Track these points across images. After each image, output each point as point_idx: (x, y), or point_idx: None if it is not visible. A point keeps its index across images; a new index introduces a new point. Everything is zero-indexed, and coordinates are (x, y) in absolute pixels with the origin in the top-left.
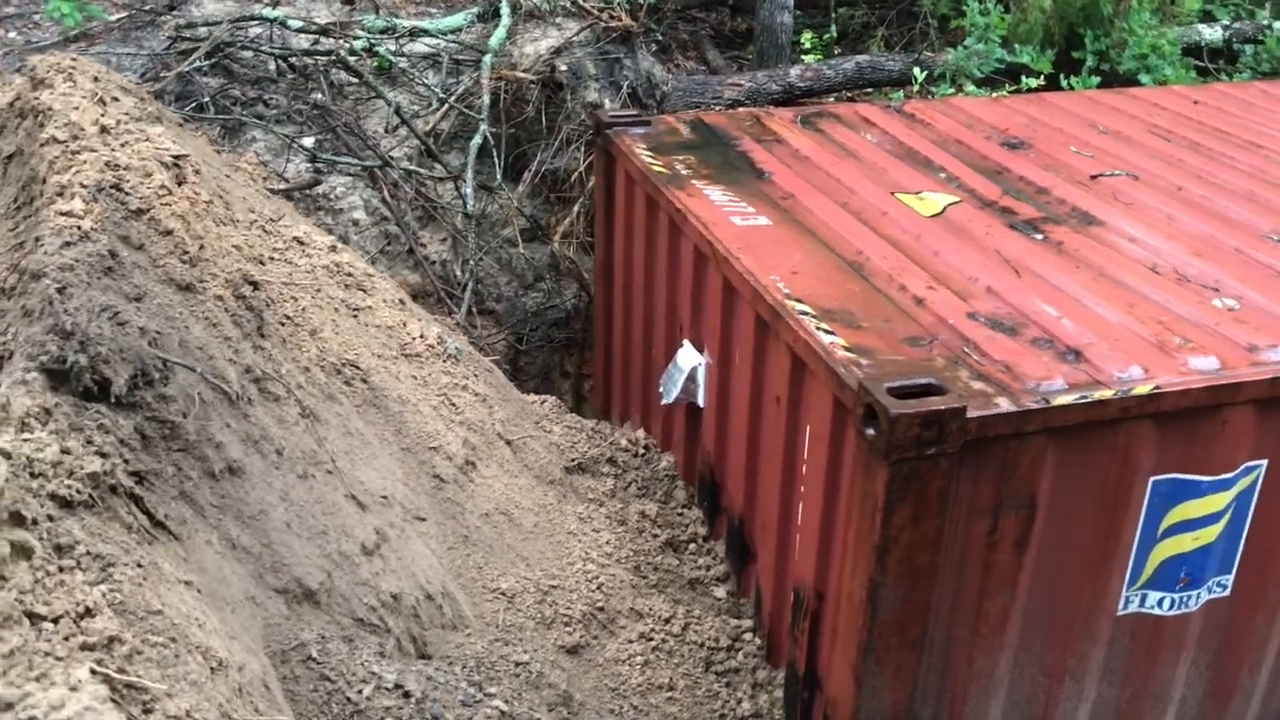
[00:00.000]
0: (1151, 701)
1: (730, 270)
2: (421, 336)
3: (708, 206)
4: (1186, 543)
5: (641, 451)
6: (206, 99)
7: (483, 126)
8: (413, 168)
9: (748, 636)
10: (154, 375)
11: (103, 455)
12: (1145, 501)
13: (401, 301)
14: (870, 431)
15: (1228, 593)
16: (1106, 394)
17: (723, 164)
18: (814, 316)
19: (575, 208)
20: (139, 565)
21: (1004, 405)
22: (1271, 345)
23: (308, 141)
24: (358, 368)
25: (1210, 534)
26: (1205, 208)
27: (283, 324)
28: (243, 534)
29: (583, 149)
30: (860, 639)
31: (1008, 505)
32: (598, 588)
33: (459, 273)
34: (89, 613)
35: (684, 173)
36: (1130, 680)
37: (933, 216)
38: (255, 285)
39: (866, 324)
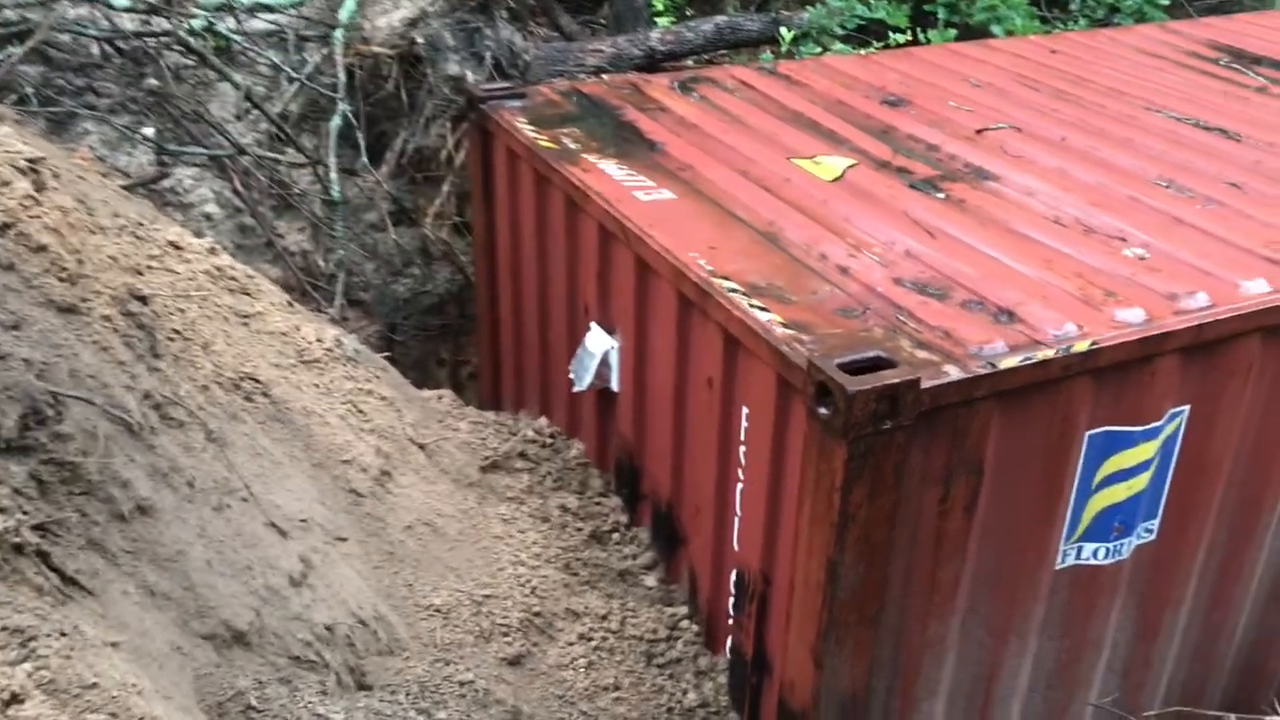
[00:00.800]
0: (1089, 649)
1: (645, 249)
2: (318, 340)
3: (607, 182)
4: (1120, 493)
5: (549, 441)
6: (30, 90)
7: (341, 106)
8: (269, 154)
9: (685, 624)
10: (46, 412)
11: (0, 511)
12: (1082, 456)
13: (290, 303)
14: (824, 410)
15: (1154, 537)
16: (1048, 354)
17: (611, 136)
18: (744, 293)
19: (445, 187)
20: (62, 634)
21: (953, 373)
22: (1189, 292)
23: (148, 131)
24: (257, 381)
25: (1141, 482)
26: (1092, 157)
27: (173, 339)
28: (161, 579)
29: (448, 125)
30: (819, 621)
31: (958, 472)
32: (531, 591)
33: (322, 263)
34: (16, 699)
35: (573, 147)
36: (1069, 631)
37: (834, 181)
38: (143, 300)
39: (796, 297)
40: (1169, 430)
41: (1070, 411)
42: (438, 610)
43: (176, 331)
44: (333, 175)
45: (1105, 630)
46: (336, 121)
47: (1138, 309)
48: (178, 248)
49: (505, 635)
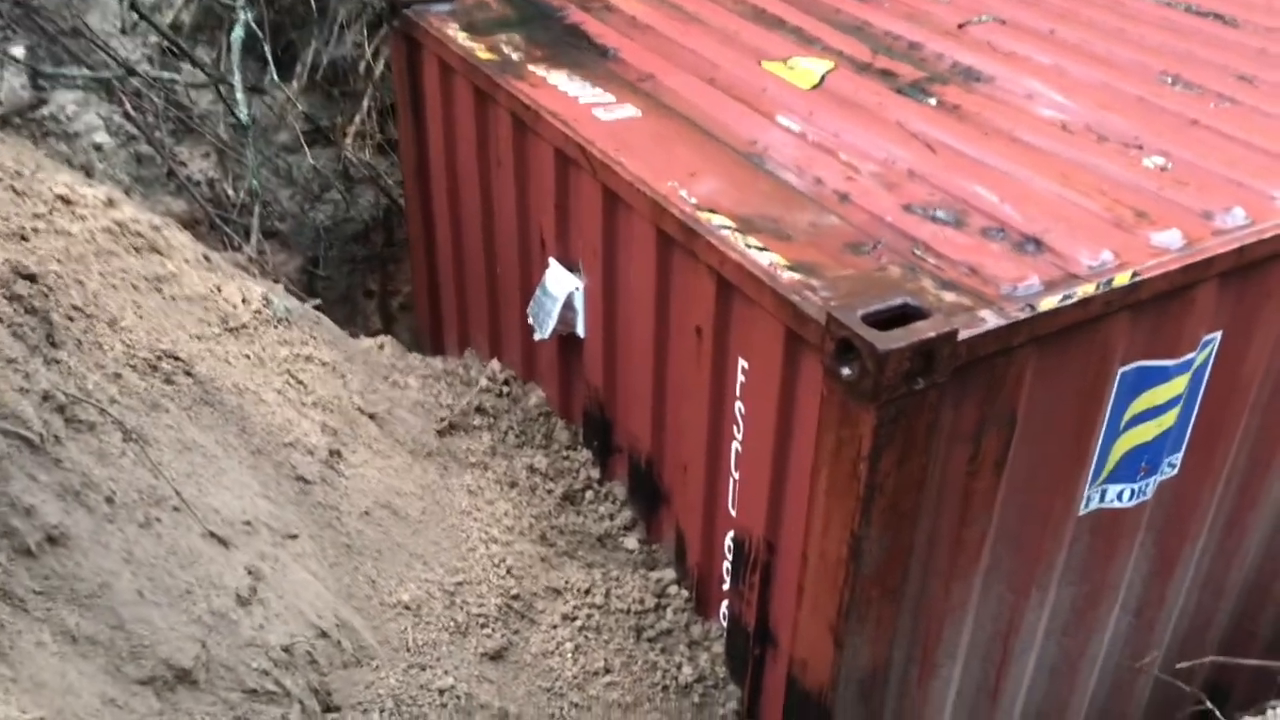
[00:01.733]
0: (1107, 593)
1: (614, 178)
2: (244, 301)
3: (560, 99)
4: (1150, 431)
5: (505, 389)
6: None
7: (242, 15)
8: (162, 73)
9: (672, 590)
10: None
11: None
12: (1113, 394)
13: (206, 258)
14: (847, 371)
15: (1176, 471)
16: (1089, 290)
17: (556, 42)
18: (737, 231)
19: (365, 103)
20: None
21: (990, 320)
22: (1225, 209)
23: (17, 51)
24: (177, 358)
25: (1171, 418)
26: (1087, 51)
27: (72, 320)
28: (84, 620)
29: (365, 32)
30: (840, 599)
31: (989, 426)
32: (507, 572)
33: (232, 192)
34: None
35: (515, 57)
36: (1087, 576)
37: (813, 88)
38: (31, 278)
39: (796, 233)
40: (1200, 359)
41: (1107, 350)
42: (407, 607)
43: (76, 309)
44: (238, 94)
45: (1124, 572)
46: (238, 32)
47: (1174, 230)
48: (68, 202)
49: (484, 627)
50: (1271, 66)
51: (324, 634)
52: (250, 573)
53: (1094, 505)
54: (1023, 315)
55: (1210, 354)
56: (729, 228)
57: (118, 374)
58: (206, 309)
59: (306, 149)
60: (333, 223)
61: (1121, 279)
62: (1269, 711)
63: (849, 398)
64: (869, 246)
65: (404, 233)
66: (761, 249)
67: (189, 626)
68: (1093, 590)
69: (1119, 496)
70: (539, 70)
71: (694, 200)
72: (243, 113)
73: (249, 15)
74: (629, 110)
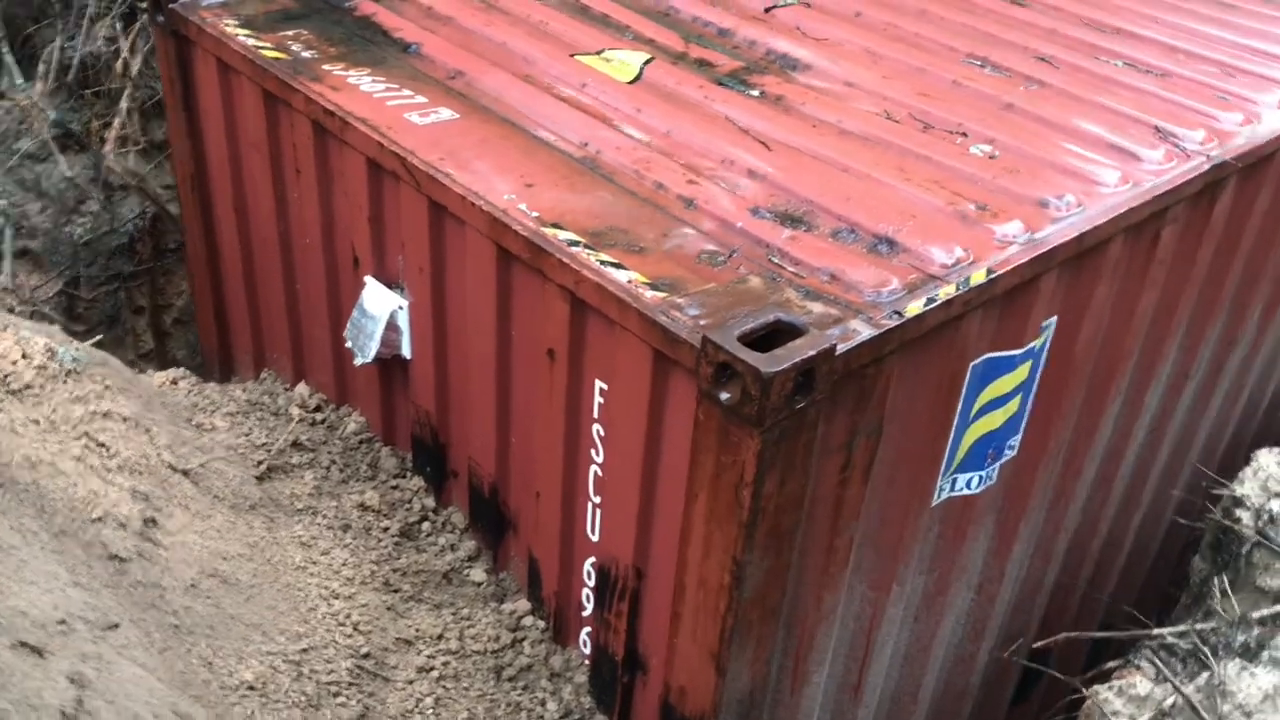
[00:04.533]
0: (955, 575)
1: (441, 191)
2: (24, 356)
3: (365, 101)
4: (997, 419)
5: (317, 417)
6: None
7: None
8: None
9: (527, 621)
10: None
11: None
12: (964, 388)
13: None
14: (726, 395)
15: (1015, 453)
16: (950, 291)
17: (349, 37)
18: (587, 246)
19: (123, 103)
20: None
21: (864, 331)
22: (1058, 196)
23: None
24: None
25: (1015, 404)
26: (895, 35)
27: None
28: None
29: (118, 25)
30: (723, 625)
31: (860, 435)
32: (354, 629)
33: None
34: None
35: (307, 55)
36: (938, 563)
37: (633, 82)
38: None
39: (647, 244)
40: (1039, 344)
41: (963, 346)
42: (251, 687)
43: None
44: None
45: (971, 555)
46: None
47: (1015, 222)
48: None
49: (336, 695)
50: (1066, 47)
51: None
52: (73, 681)
53: (945, 495)
54: (893, 323)
55: (1047, 338)
56: (578, 243)
57: None
58: None
59: (60, 157)
60: (93, 236)
61: (978, 276)
62: (1114, 679)
63: (729, 422)
64: (724, 256)
65: (175, 242)
66: (617, 265)
67: None
68: (942, 575)
69: (968, 484)
70: (336, 70)
71: (535, 214)
72: None
73: None
74: (445, 113)
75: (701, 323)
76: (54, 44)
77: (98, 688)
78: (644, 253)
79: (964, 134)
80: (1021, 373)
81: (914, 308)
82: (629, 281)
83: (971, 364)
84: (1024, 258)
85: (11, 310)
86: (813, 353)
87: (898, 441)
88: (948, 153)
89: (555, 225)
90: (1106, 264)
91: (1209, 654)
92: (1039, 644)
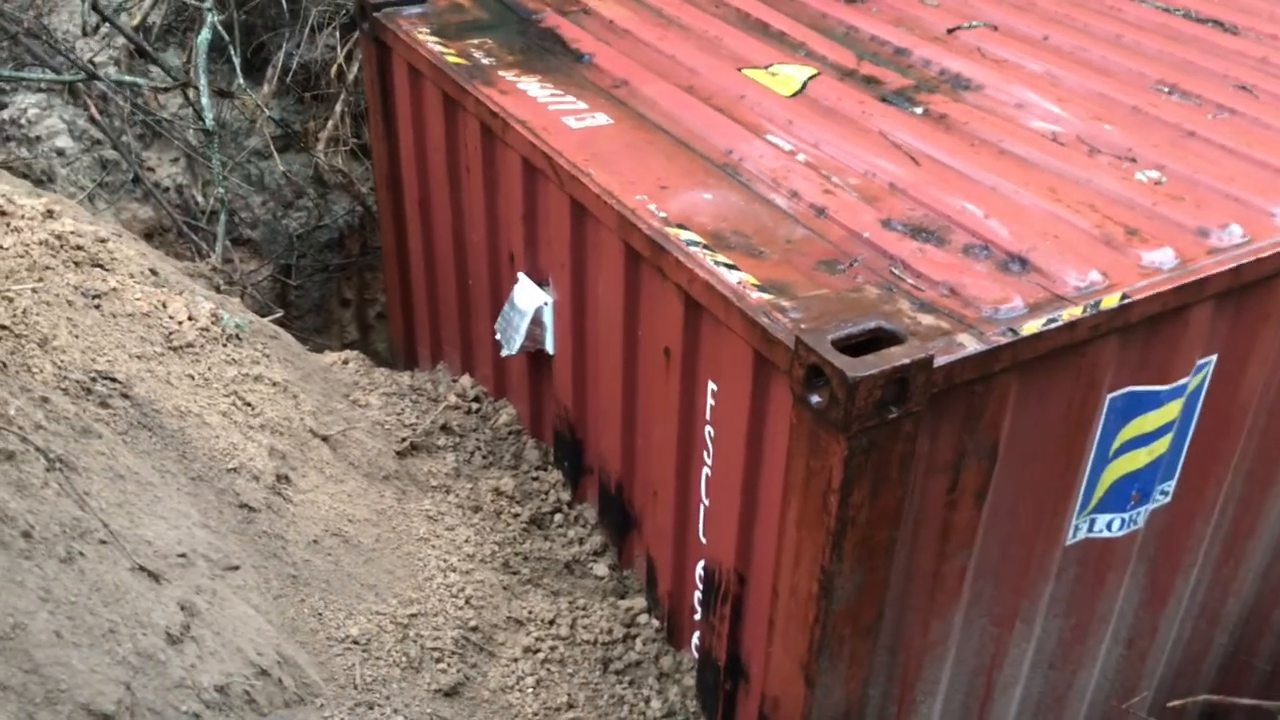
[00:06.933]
0: (1095, 624)
1: (581, 190)
2: (190, 318)
3: (530, 106)
4: (1141, 458)
5: (474, 407)
6: None
7: (210, 17)
8: (126, 77)
9: (642, 619)
10: None
11: None
12: (1101, 421)
13: (152, 272)
14: (816, 399)
15: (1169, 499)
16: (1075, 313)
17: (529, 47)
18: (706, 247)
19: (337, 107)
20: None
21: (969, 345)
22: (1221, 226)
23: None
24: (114, 380)
25: (1163, 445)
26: (1080, 59)
27: None
28: None
29: (338, 34)
30: (810, 636)
31: (970, 457)
32: (466, 602)
33: (200, 199)
34: None
35: (486, 62)
36: (1075, 609)
37: (794, 96)
38: None
39: (768, 249)
40: (1194, 384)
41: (1095, 375)
42: (355, 641)
43: (3, 328)
44: (204, 99)
45: (1114, 603)
46: (205, 34)
47: (1167, 249)
48: (2, 214)
49: (438, 661)
50: (1272, 76)
51: (264, 671)
52: (183, 608)
53: (1082, 535)
54: (1004, 340)
55: (1205, 378)
56: (698, 244)
57: (45, 398)
58: (149, 327)
59: (277, 155)
60: (305, 230)
61: (1110, 301)
62: None
63: (819, 426)
64: (844, 265)
65: (379, 240)
66: (731, 267)
67: (112, 668)
68: (1080, 622)
69: (1108, 526)
70: (509, 76)
71: (663, 215)
72: (208, 117)
73: (216, 17)
74: (600, 118)
75: (801, 326)
76: (281, 51)
77: (206, 619)
78: (762, 256)
79: (1133, 159)
80: (1169, 411)
81: (1031, 326)
82: (739, 283)
83: (1109, 396)
84: (1167, 285)
85: (217, 288)
86: (906, 361)
87: (1019, 469)
88: (1109, 176)
89: (680, 226)
90: (1276, 302)
91: None
92: (1172, 704)
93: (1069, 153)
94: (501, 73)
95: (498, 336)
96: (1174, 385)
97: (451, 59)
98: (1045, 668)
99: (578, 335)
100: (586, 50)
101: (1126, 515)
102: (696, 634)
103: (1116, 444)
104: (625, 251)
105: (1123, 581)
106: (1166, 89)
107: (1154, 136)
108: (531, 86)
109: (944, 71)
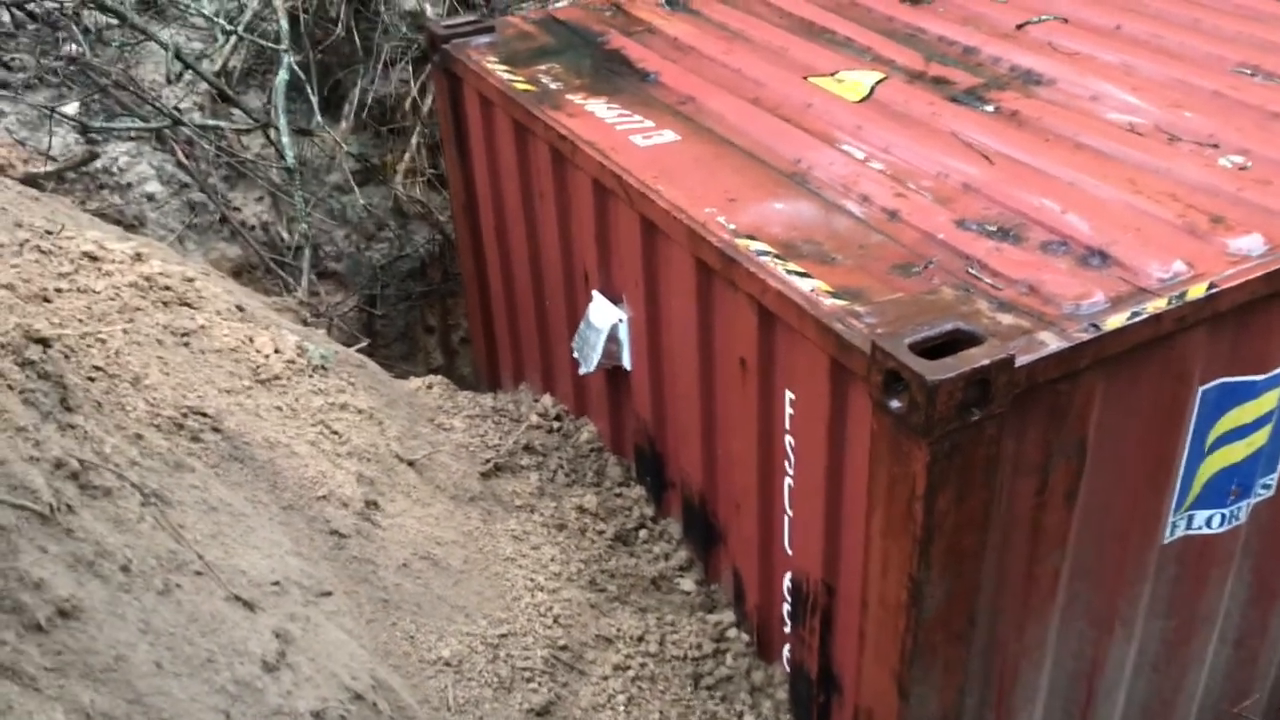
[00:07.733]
0: (1199, 625)
1: (650, 207)
2: (276, 351)
3: (598, 127)
4: (1238, 451)
5: (556, 425)
6: None
7: (286, 58)
8: (210, 121)
9: (732, 633)
10: None
11: None
12: (1194, 415)
13: (239, 308)
14: (896, 404)
15: (1272, 493)
16: (1159, 305)
17: (596, 69)
18: (777, 256)
19: (413, 139)
20: None
21: (1051, 343)
22: None
23: (70, 109)
24: (204, 415)
25: (1263, 436)
26: (1156, 47)
27: (93, 380)
28: (98, 695)
29: (410, 68)
30: (902, 645)
31: (1057, 456)
32: (554, 621)
33: (286, 235)
34: None
35: (554, 86)
36: (1177, 609)
37: (862, 101)
38: (45, 343)
39: (841, 255)
40: None
41: (1184, 368)
42: (447, 663)
43: (97, 369)
44: (284, 138)
45: (1218, 602)
46: (283, 76)
47: (1255, 235)
48: (95, 259)
49: (529, 681)
50: None
51: (359, 696)
52: (278, 636)
53: (1180, 533)
54: (1087, 336)
55: None
56: (769, 254)
57: (139, 435)
58: (237, 361)
59: (357, 189)
60: (388, 260)
61: (1196, 291)
62: None
63: (899, 432)
64: (919, 267)
65: (459, 269)
66: (803, 275)
67: (211, 697)
68: (1183, 623)
69: (1207, 522)
70: (576, 99)
71: (732, 226)
72: (289, 155)
73: (292, 58)
74: (668, 135)
75: (878, 331)
76: (356, 87)
77: (301, 645)
78: (834, 263)
79: (1215, 145)
80: (1267, 401)
81: (1114, 321)
82: (811, 290)
83: (1201, 389)
84: (1256, 273)
85: (304, 321)
86: (986, 362)
87: (1110, 468)
88: (1191, 165)
89: (749, 237)
90: None
91: None
92: (1237, 708)
93: (1148, 143)
94: (569, 96)
95: (575, 355)
96: (1271, 375)
97: (520, 86)
98: (1149, 671)
99: (653, 350)
100: (652, 69)
101: (1227, 511)
102: (787, 647)
103: (1212, 437)
104: (696, 265)
105: (1227, 579)
106: (1249, 71)
107: (1237, 121)
108: (599, 108)
109: (1014, 68)
